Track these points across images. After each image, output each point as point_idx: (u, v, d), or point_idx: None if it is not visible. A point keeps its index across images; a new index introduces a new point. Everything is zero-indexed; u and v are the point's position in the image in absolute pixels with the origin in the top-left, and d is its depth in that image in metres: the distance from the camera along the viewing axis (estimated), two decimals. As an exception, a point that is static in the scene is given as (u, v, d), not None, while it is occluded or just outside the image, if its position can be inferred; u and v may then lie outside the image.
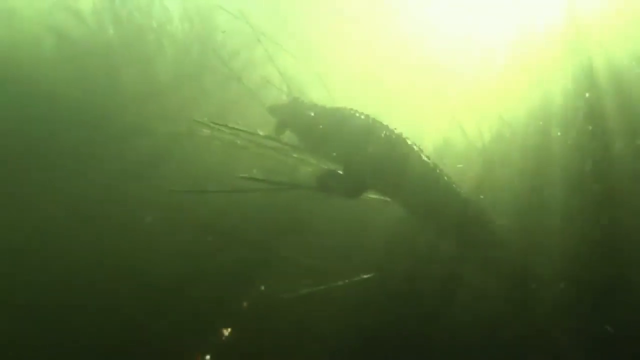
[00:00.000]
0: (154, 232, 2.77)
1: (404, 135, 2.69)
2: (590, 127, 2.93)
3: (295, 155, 3.04)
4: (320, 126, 2.77)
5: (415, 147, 2.66)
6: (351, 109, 2.78)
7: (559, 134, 3.01)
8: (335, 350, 2.29)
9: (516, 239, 2.72)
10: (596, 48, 3.05)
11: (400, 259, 2.74)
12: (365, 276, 2.54)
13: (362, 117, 2.73)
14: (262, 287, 2.41)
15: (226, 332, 2.26)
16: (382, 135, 2.65)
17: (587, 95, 2.98)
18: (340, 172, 2.70)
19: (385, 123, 2.70)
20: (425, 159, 2.63)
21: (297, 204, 2.93)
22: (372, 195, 2.82)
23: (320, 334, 2.33)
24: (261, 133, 2.89)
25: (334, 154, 2.75)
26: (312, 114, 2.81)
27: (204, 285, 2.47)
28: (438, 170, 2.62)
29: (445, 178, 2.62)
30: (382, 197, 2.82)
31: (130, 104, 3.72)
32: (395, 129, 2.70)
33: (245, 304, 2.37)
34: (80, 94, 3.70)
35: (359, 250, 2.77)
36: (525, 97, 3.17)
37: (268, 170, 3.11)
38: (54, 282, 2.56)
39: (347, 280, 2.43)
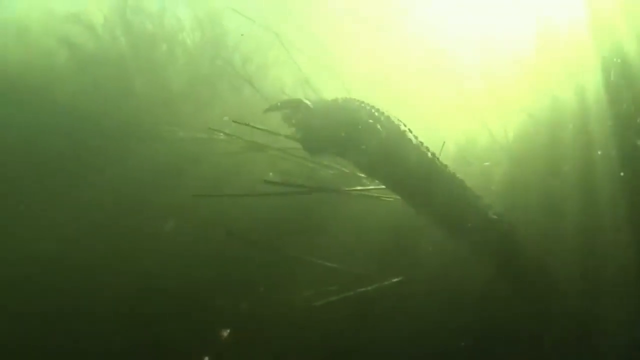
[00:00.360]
0: (173, 236, 2.71)
1: (402, 123, 2.58)
2: (622, 123, 2.80)
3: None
4: (317, 113, 2.70)
5: (414, 137, 2.54)
6: (351, 98, 2.71)
7: (587, 130, 2.88)
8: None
9: (538, 240, 2.58)
10: (625, 39, 2.92)
11: (423, 262, 2.63)
12: (394, 280, 2.43)
13: (358, 102, 2.65)
14: (291, 293, 2.31)
15: (254, 338, 2.18)
16: (370, 114, 2.55)
17: (616, 87, 2.86)
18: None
19: (386, 113, 2.61)
20: (424, 149, 2.48)
21: (317, 207, 2.84)
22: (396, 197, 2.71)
23: (350, 340, 2.23)
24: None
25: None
26: (310, 104, 2.75)
27: (228, 291, 2.40)
28: (442, 165, 2.47)
29: (447, 171, 2.46)
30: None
31: (144, 111, 3.69)
32: (396, 118, 2.60)
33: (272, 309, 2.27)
34: (94, 104, 3.68)
35: (383, 253, 2.66)
36: (550, 92, 3.04)
37: (286, 173, 3.04)
38: (73, 287, 2.53)
39: (375, 285, 2.32)
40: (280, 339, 2.37)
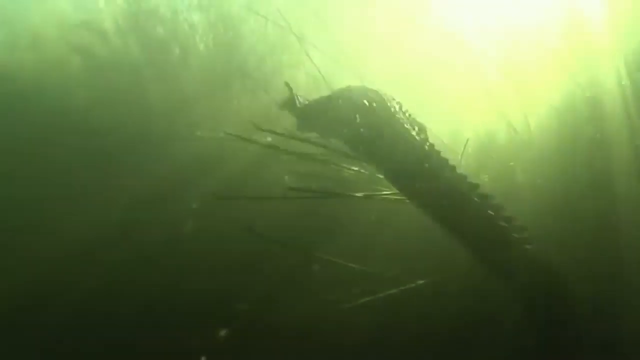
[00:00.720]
0: (194, 237, 2.69)
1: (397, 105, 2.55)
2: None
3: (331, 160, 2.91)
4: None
5: (406, 118, 2.48)
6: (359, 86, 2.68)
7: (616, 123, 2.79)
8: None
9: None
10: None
11: (450, 263, 2.57)
12: (420, 282, 2.38)
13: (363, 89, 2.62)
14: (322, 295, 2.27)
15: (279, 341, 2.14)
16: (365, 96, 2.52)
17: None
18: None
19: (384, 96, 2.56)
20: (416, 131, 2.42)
21: (340, 209, 2.79)
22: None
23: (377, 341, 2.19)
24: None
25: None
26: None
27: (252, 293, 2.37)
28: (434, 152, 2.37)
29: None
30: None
31: (158, 116, 3.68)
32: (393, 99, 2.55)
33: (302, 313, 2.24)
34: (107, 109, 3.67)
35: (409, 255, 2.61)
36: (576, 84, 2.95)
37: (304, 175, 3.00)
38: (91, 290, 2.53)
39: (402, 287, 2.27)
40: (305, 342, 2.33)
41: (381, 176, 2.67)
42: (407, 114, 2.57)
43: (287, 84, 2.74)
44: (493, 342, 2.37)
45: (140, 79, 4.02)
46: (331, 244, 2.51)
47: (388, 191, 2.64)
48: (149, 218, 2.91)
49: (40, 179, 3.13)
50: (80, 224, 2.85)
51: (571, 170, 2.82)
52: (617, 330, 2.30)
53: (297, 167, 3.10)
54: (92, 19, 4.29)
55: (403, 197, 2.61)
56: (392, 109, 2.51)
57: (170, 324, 2.47)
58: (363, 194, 2.63)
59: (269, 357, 2.39)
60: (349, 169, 2.88)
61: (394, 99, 2.63)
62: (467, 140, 2.76)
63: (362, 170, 2.84)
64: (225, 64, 4.10)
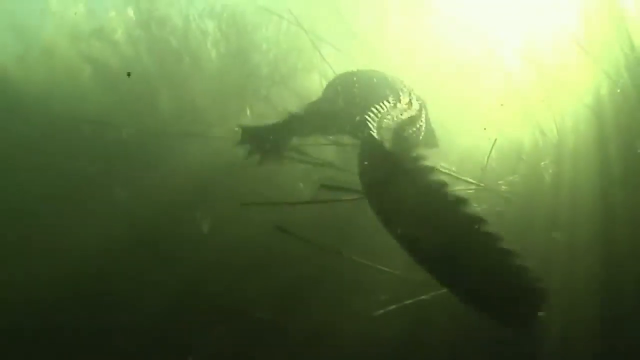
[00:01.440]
0: (222, 244, 2.59)
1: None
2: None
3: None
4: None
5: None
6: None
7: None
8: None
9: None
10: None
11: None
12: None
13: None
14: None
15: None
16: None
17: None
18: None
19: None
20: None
21: (362, 213, 2.67)
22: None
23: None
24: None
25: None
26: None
27: (275, 298, 2.24)
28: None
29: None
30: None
31: (169, 124, 3.62)
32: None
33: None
34: (119, 120, 3.62)
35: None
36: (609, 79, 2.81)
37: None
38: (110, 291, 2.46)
39: (432, 293, 2.12)
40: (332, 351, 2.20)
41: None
42: (407, 91, 2.45)
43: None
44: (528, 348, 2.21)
45: (151, 87, 4.00)
46: (356, 247, 2.37)
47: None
48: (163, 217, 2.84)
49: (54, 186, 3.09)
50: (96, 230, 2.81)
51: (604, 169, 2.66)
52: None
53: (313, 174, 3.02)
54: (103, 28, 4.29)
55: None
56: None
57: (186, 325, 2.38)
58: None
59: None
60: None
61: (397, 78, 2.54)
62: (495, 140, 2.63)
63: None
64: (238, 70, 4.05)
